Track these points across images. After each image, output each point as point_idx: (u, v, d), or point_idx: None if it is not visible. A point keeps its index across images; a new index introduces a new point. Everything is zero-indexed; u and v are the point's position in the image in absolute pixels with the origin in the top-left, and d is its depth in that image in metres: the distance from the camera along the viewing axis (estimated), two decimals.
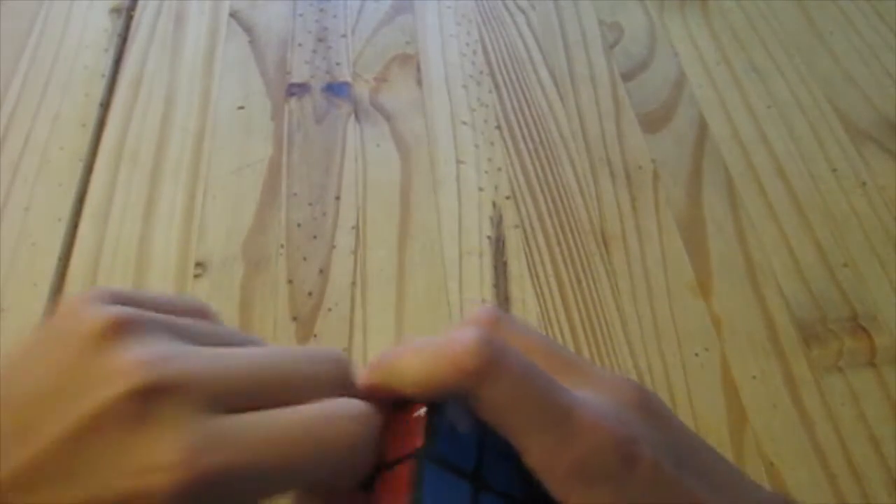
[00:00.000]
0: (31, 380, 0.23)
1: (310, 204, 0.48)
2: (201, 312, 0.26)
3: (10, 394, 0.23)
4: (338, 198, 0.48)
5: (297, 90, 0.55)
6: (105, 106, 0.54)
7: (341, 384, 0.25)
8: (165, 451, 0.21)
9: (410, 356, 0.25)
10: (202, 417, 0.21)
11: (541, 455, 0.24)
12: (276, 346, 0.26)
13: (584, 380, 0.26)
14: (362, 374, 0.26)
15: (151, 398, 0.21)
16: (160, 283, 0.44)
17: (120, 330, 0.22)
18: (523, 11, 0.61)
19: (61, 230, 0.47)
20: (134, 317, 0.22)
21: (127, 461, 0.21)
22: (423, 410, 0.25)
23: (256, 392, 0.23)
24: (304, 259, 0.45)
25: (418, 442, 0.25)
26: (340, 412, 0.24)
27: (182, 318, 0.25)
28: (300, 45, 0.58)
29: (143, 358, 0.21)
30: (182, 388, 0.22)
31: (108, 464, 0.21)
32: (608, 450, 0.23)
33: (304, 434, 0.23)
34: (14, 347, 0.23)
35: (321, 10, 0.61)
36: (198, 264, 0.45)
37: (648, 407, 0.25)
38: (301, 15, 0.61)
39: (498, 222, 0.47)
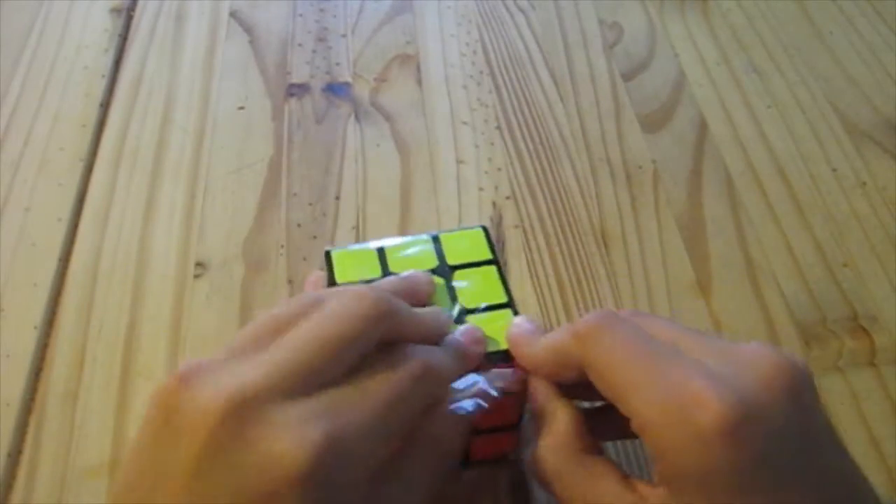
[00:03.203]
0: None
1: (310, 204, 0.48)
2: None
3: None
4: (338, 198, 0.48)
5: (297, 90, 0.55)
6: (105, 106, 0.54)
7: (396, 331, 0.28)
8: (276, 443, 0.23)
9: (541, 342, 0.29)
10: (289, 406, 0.24)
11: (641, 417, 0.25)
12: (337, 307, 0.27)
13: (717, 352, 0.26)
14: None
15: (242, 416, 0.23)
16: (160, 283, 0.44)
17: (186, 381, 0.24)
18: (523, 11, 0.61)
19: (61, 230, 0.47)
20: (196, 370, 0.25)
21: (247, 476, 0.23)
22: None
23: (320, 363, 0.25)
24: (304, 259, 0.45)
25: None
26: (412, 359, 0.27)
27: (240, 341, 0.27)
28: (300, 45, 0.58)
29: (221, 392, 0.24)
30: (261, 394, 0.24)
31: (232, 485, 0.23)
32: (710, 426, 0.23)
33: (384, 376, 0.26)
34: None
35: (321, 10, 0.61)
36: (198, 264, 0.45)
37: (787, 387, 0.24)
38: (301, 15, 0.61)
39: (498, 222, 0.47)
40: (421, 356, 0.27)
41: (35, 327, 0.42)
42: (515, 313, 0.32)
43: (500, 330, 0.31)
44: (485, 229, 0.36)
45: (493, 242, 0.35)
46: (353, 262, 0.34)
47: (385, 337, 0.27)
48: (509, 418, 0.32)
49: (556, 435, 0.28)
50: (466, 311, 0.32)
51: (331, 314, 0.27)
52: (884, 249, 0.46)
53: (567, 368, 0.28)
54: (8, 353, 0.41)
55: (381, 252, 0.34)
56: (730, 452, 0.23)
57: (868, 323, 0.42)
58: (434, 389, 0.28)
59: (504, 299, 0.33)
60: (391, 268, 0.34)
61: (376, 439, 0.25)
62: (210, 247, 0.46)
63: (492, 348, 0.31)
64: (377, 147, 0.51)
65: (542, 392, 0.29)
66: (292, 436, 0.23)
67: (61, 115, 0.53)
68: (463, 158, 0.51)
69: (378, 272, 0.33)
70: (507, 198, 0.48)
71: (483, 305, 0.33)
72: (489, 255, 0.35)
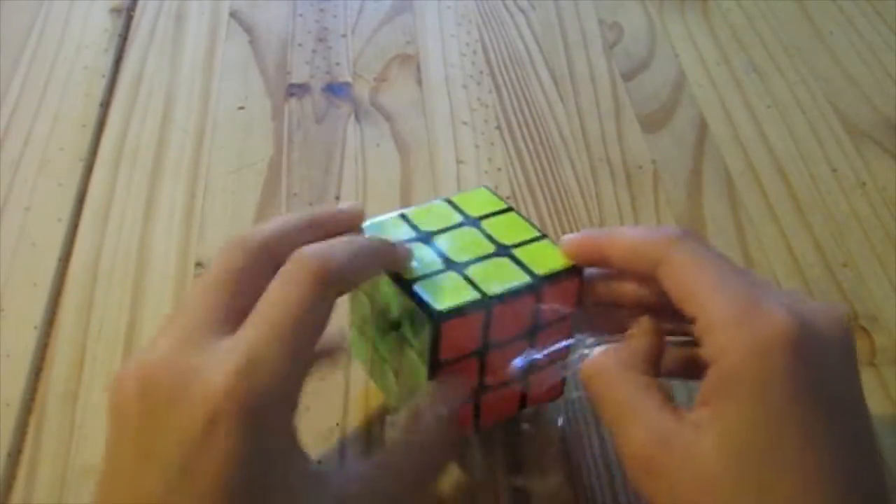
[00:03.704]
0: None
1: (310, 204, 0.48)
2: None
3: None
4: (338, 198, 0.48)
5: (297, 90, 0.55)
6: (105, 106, 0.54)
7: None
8: (208, 376, 0.25)
9: (624, 230, 0.31)
10: (217, 342, 0.26)
11: (709, 317, 0.26)
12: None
13: (782, 292, 0.28)
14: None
15: (169, 373, 0.25)
16: (160, 283, 0.44)
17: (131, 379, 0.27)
18: (523, 11, 0.61)
19: (61, 230, 0.47)
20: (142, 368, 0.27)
21: (183, 417, 0.24)
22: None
23: (221, 307, 0.27)
24: None
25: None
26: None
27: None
28: (300, 45, 0.58)
29: (145, 364, 0.26)
30: (184, 345, 0.26)
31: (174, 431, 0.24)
32: (775, 336, 0.24)
33: (283, 290, 0.27)
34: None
35: (321, 10, 0.61)
36: (198, 264, 0.45)
37: (845, 338, 0.26)
38: (301, 15, 0.61)
39: None
40: (311, 256, 0.28)
41: (35, 327, 0.42)
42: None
43: (549, 257, 0.32)
44: (487, 188, 0.37)
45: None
46: (385, 231, 0.34)
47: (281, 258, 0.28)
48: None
49: (626, 350, 0.29)
50: (510, 247, 0.33)
51: (217, 263, 0.28)
52: (884, 249, 0.46)
53: (642, 263, 0.29)
54: (8, 353, 0.41)
55: (404, 217, 0.35)
56: (788, 365, 0.24)
57: (868, 323, 0.42)
58: (336, 287, 0.28)
59: (538, 233, 0.34)
60: (421, 228, 0.34)
61: (288, 357, 0.26)
62: (210, 247, 0.46)
63: (546, 270, 0.31)
64: (377, 147, 0.51)
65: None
66: (214, 368, 0.25)
67: (61, 115, 0.53)
68: (463, 158, 0.51)
69: (411, 232, 0.34)
70: (507, 198, 0.48)
71: (521, 240, 0.33)
72: (504, 205, 0.36)
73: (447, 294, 0.30)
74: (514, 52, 0.58)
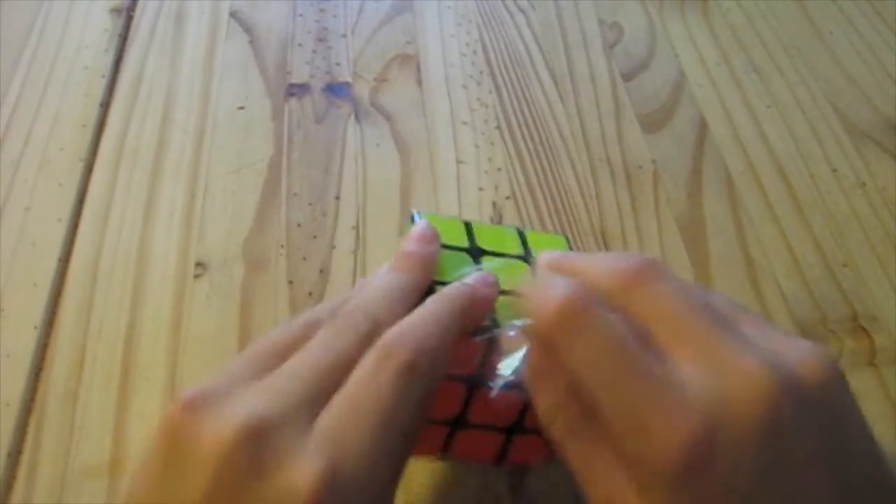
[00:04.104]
0: None
1: (310, 204, 0.48)
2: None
3: None
4: (338, 198, 0.48)
5: (297, 90, 0.55)
6: (105, 106, 0.54)
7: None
8: (290, 478, 0.22)
9: (588, 262, 0.27)
10: (296, 435, 0.24)
11: (611, 425, 0.23)
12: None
13: (755, 330, 0.24)
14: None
15: (254, 447, 0.23)
16: (160, 283, 0.44)
17: (193, 410, 0.24)
18: (523, 11, 0.61)
19: (61, 230, 0.47)
20: (201, 398, 0.24)
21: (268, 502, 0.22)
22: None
23: (321, 386, 0.25)
24: (304, 259, 0.45)
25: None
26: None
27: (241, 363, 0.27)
28: (300, 45, 0.58)
29: (231, 422, 0.23)
30: (272, 423, 0.24)
31: None
32: (672, 453, 0.21)
33: (371, 386, 0.25)
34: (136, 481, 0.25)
35: (321, 10, 0.61)
36: (198, 264, 0.45)
37: (825, 384, 0.23)
38: (301, 15, 0.61)
39: (498, 222, 0.47)
40: (402, 345, 0.26)
41: (35, 327, 0.42)
42: None
43: None
44: (567, 239, 0.36)
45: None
46: (440, 227, 0.33)
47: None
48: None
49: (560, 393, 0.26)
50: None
51: (324, 339, 0.27)
52: (884, 249, 0.46)
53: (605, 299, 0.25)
54: (8, 353, 0.41)
55: (468, 226, 0.34)
56: (767, 427, 0.22)
57: (868, 323, 0.42)
58: (430, 378, 0.26)
59: None
60: (477, 243, 0.33)
61: (377, 457, 0.24)
62: (210, 247, 0.46)
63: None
64: (377, 147, 0.51)
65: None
66: (301, 467, 0.23)
67: (61, 115, 0.53)
68: (463, 158, 0.51)
69: (465, 241, 0.33)
70: (507, 198, 0.48)
71: None
72: None
73: None
74: (514, 52, 0.58)
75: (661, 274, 0.25)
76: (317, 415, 0.24)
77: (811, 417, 0.22)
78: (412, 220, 0.34)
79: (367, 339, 0.26)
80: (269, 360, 0.26)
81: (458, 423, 0.31)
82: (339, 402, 0.25)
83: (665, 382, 0.22)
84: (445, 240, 0.33)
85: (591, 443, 0.25)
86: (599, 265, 0.26)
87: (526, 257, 0.33)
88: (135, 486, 0.24)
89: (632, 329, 0.24)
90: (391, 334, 0.26)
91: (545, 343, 0.25)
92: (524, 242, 0.34)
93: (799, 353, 0.23)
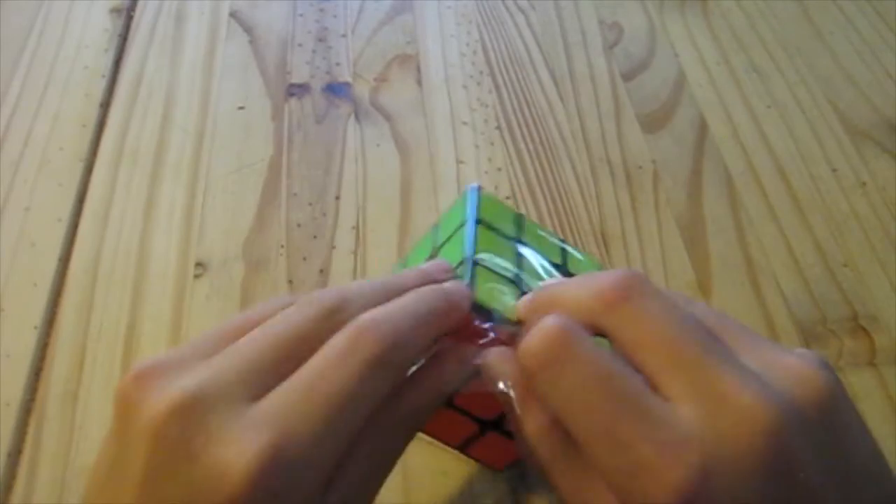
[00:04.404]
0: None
1: (310, 204, 0.48)
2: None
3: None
4: (338, 198, 0.48)
5: (297, 90, 0.55)
6: (105, 106, 0.54)
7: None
8: (220, 457, 0.21)
9: (564, 290, 0.25)
10: (237, 412, 0.22)
11: (599, 461, 0.22)
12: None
13: (716, 382, 0.22)
14: None
15: (185, 424, 0.22)
16: (160, 284, 0.44)
17: (141, 382, 0.23)
18: (523, 11, 0.61)
19: (61, 230, 0.47)
20: (150, 367, 0.24)
21: (191, 489, 0.21)
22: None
23: (271, 365, 0.24)
24: (304, 259, 0.45)
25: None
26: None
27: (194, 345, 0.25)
28: (300, 45, 0.58)
29: (166, 397, 0.22)
30: (205, 401, 0.22)
31: (178, 497, 0.22)
32: (667, 495, 0.20)
33: (333, 369, 0.23)
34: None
35: (321, 10, 0.61)
36: (198, 264, 0.45)
37: (823, 401, 0.22)
38: (301, 15, 0.61)
39: None
40: (377, 332, 0.24)
41: (35, 327, 0.42)
42: None
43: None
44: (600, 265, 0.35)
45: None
46: (493, 209, 0.32)
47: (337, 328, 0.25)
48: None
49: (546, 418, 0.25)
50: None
51: (281, 319, 0.25)
52: (884, 249, 0.46)
53: (588, 326, 0.24)
54: (8, 353, 0.41)
55: (519, 221, 0.33)
56: (769, 465, 0.21)
57: (868, 323, 0.42)
58: (397, 375, 0.25)
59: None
60: (523, 238, 0.32)
61: (327, 441, 0.23)
62: (210, 247, 0.46)
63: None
64: (377, 147, 0.51)
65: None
66: (235, 449, 0.21)
67: (61, 115, 0.53)
68: (463, 158, 0.51)
69: (511, 233, 0.32)
70: (507, 198, 0.48)
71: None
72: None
73: (493, 295, 0.28)
74: (514, 52, 0.58)
75: (643, 290, 0.24)
76: (263, 392, 0.23)
77: (815, 443, 0.21)
78: (464, 195, 0.33)
79: (332, 316, 0.25)
80: (229, 339, 0.25)
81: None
82: (295, 381, 0.23)
83: (657, 419, 0.21)
84: (494, 221, 0.32)
85: (580, 469, 0.24)
86: (580, 289, 0.25)
87: (559, 269, 0.32)
88: (97, 455, 0.24)
89: (619, 360, 0.23)
90: (365, 319, 0.24)
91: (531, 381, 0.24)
92: (565, 256, 0.33)
93: (795, 372, 0.23)
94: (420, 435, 0.28)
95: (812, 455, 0.21)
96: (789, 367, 0.23)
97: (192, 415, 0.22)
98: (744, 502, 0.21)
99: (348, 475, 0.24)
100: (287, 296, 0.28)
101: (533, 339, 0.23)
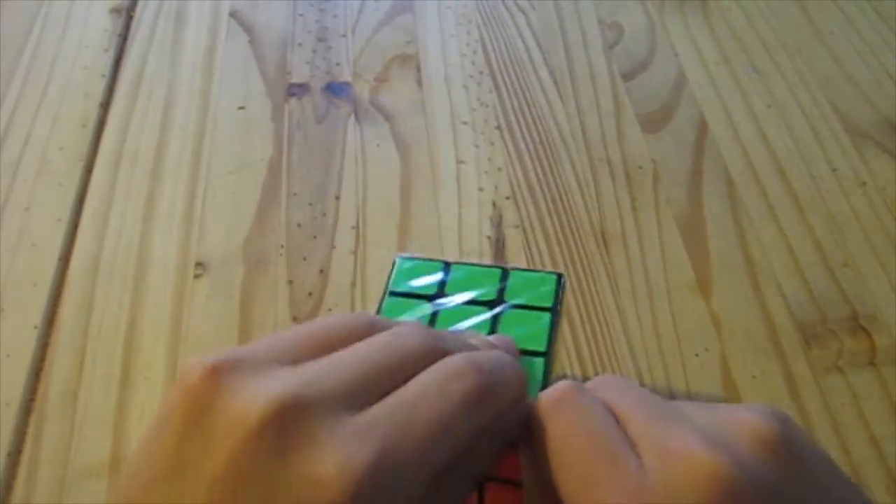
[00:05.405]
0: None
1: (310, 204, 0.48)
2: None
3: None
4: (338, 198, 0.48)
5: (297, 90, 0.55)
6: (105, 106, 0.54)
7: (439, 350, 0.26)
8: (320, 465, 0.21)
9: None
10: (339, 421, 0.22)
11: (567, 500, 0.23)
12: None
13: (667, 436, 0.24)
14: None
15: (284, 427, 0.21)
16: (160, 283, 0.44)
17: (221, 378, 0.22)
18: (523, 11, 0.61)
19: (61, 230, 0.47)
20: (229, 363, 0.23)
21: (281, 496, 0.20)
22: None
23: (374, 382, 0.23)
24: (304, 259, 0.45)
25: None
26: (460, 366, 0.25)
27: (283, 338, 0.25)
28: (300, 45, 0.58)
29: (262, 397, 0.21)
30: (308, 406, 0.22)
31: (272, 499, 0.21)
32: (705, 490, 0.21)
33: (438, 394, 0.23)
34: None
35: (321, 10, 0.61)
36: (198, 264, 0.45)
37: (777, 449, 0.23)
38: (301, 15, 0.61)
39: (498, 222, 0.47)
40: (479, 369, 0.25)
41: (35, 327, 0.42)
42: (547, 369, 0.30)
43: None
44: (559, 277, 0.33)
45: (562, 292, 0.33)
46: (418, 270, 0.33)
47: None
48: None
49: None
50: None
51: (386, 340, 0.25)
52: (884, 249, 0.46)
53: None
54: (8, 353, 0.41)
55: (446, 267, 0.33)
56: None
57: (868, 323, 0.42)
58: (493, 407, 0.25)
59: (542, 348, 0.31)
60: (450, 287, 0.33)
61: (427, 460, 0.22)
62: (210, 247, 0.46)
63: None
64: (377, 147, 0.51)
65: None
66: (337, 458, 0.21)
67: (61, 115, 0.53)
68: (463, 158, 0.51)
69: (434, 288, 0.33)
70: (507, 198, 0.48)
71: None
72: (549, 303, 0.32)
73: None
74: (514, 52, 0.58)
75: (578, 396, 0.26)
76: (365, 407, 0.22)
77: (769, 490, 0.22)
78: (393, 264, 0.34)
79: (434, 348, 0.25)
80: (319, 347, 0.24)
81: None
82: (398, 398, 0.23)
83: (625, 466, 0.23)
84: (412, 285, 0.33)
85: None
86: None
87: (494, 301, 0.32)
88: (142, 454, 0.22)
89: (610, 417, 0.25)
90: (464, 356, 0.25)
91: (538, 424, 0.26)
92: (503, 284, 0.33)
93: (746, 426, 0.23)
94: None
95: (766, 500, 0.22)
96: (741, 420, 0.24)
97: (292, 417, 0.21)
98: None
99: (450, 482, 0.24)
100: (363, 314, 0.28)
101: (550, 390, 0.26)
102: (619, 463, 0.23)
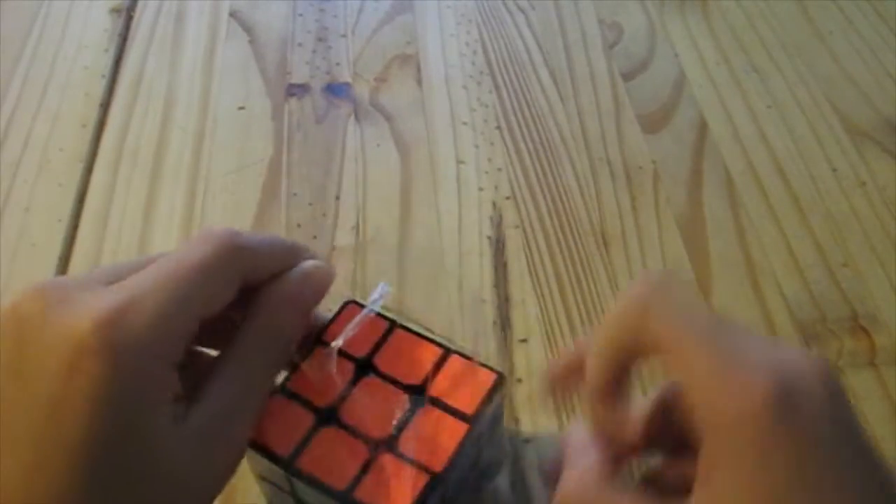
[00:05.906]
0: None
1: (310, 204, 0.48)
2: None
3: None
4: (338, 198, 0.48)
5: (297, 90, 0.55)
6: (105, 106, 0.54)
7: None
8: (64, 321, 0.23)
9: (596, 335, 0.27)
10: (89, 291, 0.25)
11: (698, 393, 0.24)
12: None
13: (762, 342, 0.25)
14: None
15: (41, 299, 0.24)
16: None
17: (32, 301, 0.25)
18: (523, 11, 0.61)
19: (61, 230, 0.47)
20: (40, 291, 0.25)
21: (47, 355, 0.23)
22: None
23: (130, 266, 0.27)
24: None
25: None
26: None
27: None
28: (300, 45, 0.58)
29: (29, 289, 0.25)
30: (62, 282, 0.25)
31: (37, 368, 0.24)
32: (759, 409, 0.22)
33: (185, 253, 0.26)
34: None
35: (321, 10, 0.61)
36: None
37: (826, 390, 0.24)
38: (301, 15, 0.61)
39: (498, 222, 0.47)
40: (223, 228, 0.27)
41: None
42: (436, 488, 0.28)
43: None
44: (500, 377, 0.30)
45: (499, 396, 0.31)
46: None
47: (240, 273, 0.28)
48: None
49: (583, 467, 0.27)
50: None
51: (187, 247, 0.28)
52: (884, 249, 0.46)
53: (628, 353, 0.26)
54: None
55: (392, 325, 0.32)
56: (774, 434, 0.23)
57: (868, 323, 0.42)
58: (243, 265, 0.27)
59: (437, 469, 0.28)
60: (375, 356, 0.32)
61: (172, 317, 0.25)
62: None
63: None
64: (377, 147, 0.51)
65: (575, 432, 0.29)
66: (91, 312, 0.23)
67: (61, 115, 0.53)
68: (463, 158, 0.51)
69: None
70: (507, 198, 0.48)
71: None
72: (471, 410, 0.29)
73: None
74: (514, 52, 0.58)
75: (665, 291, 0.26)
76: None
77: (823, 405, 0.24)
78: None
79: (226, 260, 0.27)
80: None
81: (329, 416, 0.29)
82: (150, 267, 0.26)
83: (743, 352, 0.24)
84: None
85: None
86: (610, 324, 0.27)
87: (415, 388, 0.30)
88: None
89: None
90: (228, 228, 0.27)
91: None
92: (435, 371, 0.30)
93: (802, 363, 0.24)
94: (252, 456, 0.29)
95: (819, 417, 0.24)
96: (797, 352, 0.25)
97: (50, 294, 0.24)
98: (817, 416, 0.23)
99: (211, 397, 0.26)
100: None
101: (642, 281, 0.27)
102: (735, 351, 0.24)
